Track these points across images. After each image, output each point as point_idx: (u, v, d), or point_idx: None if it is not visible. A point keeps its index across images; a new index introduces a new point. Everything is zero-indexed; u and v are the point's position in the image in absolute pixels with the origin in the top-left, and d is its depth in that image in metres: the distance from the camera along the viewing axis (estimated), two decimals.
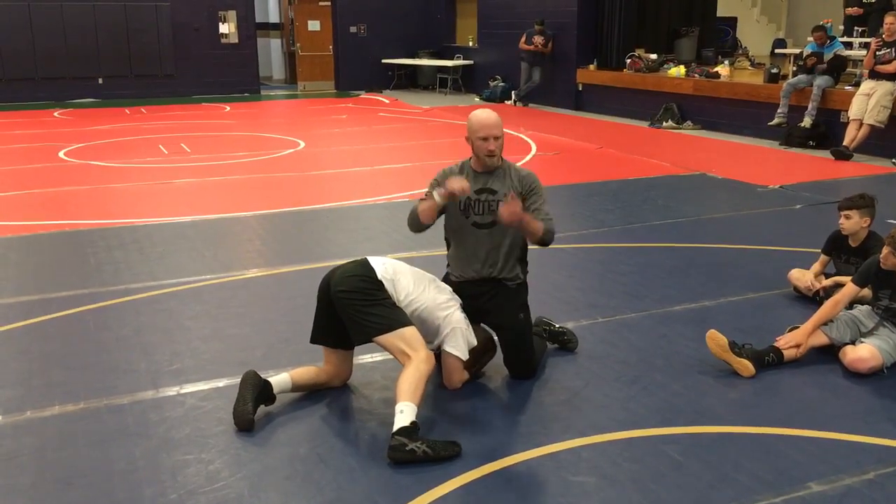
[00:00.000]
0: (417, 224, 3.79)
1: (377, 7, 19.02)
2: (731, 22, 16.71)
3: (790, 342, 3.94)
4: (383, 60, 19.16)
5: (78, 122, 13.57)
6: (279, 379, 3.52)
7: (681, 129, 12.38)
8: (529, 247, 3.87)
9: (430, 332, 3.53)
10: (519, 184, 3.73)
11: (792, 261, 5.25)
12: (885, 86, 9.47)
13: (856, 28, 11.63)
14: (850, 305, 4.11)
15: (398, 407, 3.13)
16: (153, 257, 5.80)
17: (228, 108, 15.59)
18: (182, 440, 3.28)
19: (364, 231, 6.66)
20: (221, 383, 3.77)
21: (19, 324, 4.55)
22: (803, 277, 4.84)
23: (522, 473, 3.04)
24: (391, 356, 3.47)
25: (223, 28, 17.86)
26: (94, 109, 15.38)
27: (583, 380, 3.82)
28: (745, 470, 3.03)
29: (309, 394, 3.64)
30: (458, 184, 3.56)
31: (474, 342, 3.63)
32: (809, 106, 10.37)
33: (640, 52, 14.22)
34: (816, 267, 4.86)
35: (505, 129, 3.78)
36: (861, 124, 9.55)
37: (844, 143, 9.62)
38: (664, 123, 12.57)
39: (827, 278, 4.77)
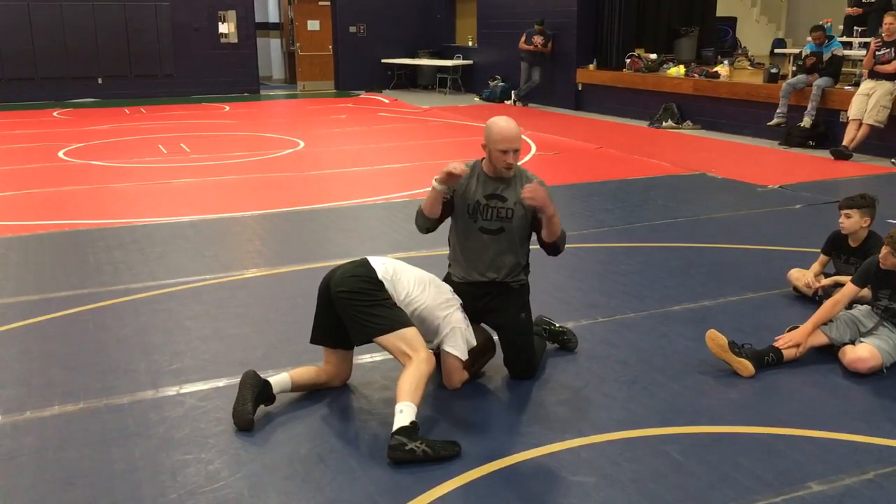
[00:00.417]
0: (423, 220, 3.75)
1: (377, 7, 19.03)
2: (731, 22, 16.70)
3: (790, 342, 3.94)
4: (383, 60, 19.17)
5: (77, 121, 13.57)
6: (279, 379, 3.52)
7: (680, 128, 12.38)
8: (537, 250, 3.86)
9: (430, 332, 3.53)
10: None
11: (791, 261, 5.25)
12: (885, 86, 9.48)
13: (855, 28, 11.64)
14: (850, 305, 4.11)
15: (398, 407, 3.13)
16: (153, 257, 5.80)
17: (228, 108, 15.59)
18: (182, 440, 3.28)
19: (364, 231, 6.66)
20: (221, 383, 3.77)
21: (19, 324, 4.55)
22: (803, 277, 4.84)
23: (522, 473, 3.04)
24: (391, 356, 3.47)
25: (223, 28, 17.87)
26: (93, 109, 15.38)
27: (582, 380, 3.82)
28: (745, 470, 3.03)
29: (308, 394, 3.64)
30: (456, 165, 3.53)
31: (474, 342, 3.63)
32: (809, 106, 10.37)
33: (639, 51, 14.22)
34: (816, 267, 4.86)
35: None
36: (860, 124, 9.55)
37: (844, 143, 9.62)
38: (664, 123, 12.57)
39: (826, 278, 4.77)
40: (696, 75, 12.75)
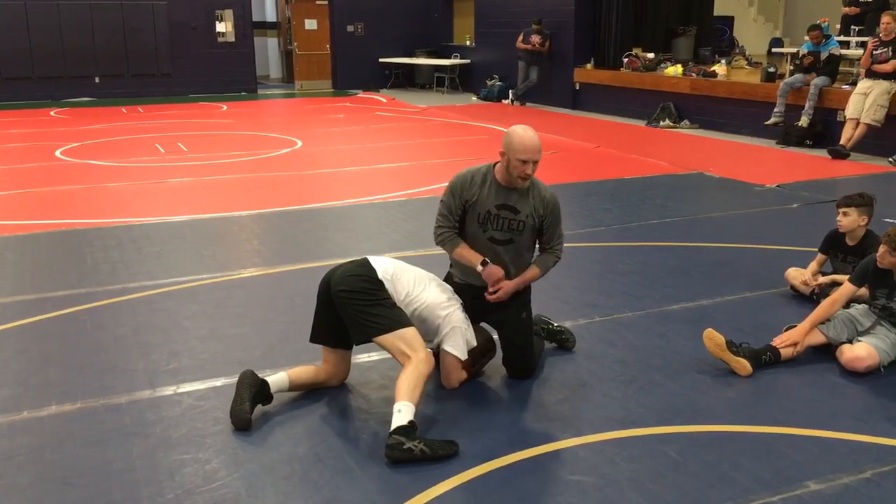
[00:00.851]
0: (447, 252, 3.82)
1: (374, 6, 19.02)
2: (729, 21, 16.71)
3: (787, 341, 3.94)
4: (380, 59, 19.16)
5: (75, 121, 13.55)
6: (276, 378, 3.51)
7: (678, 128, 12.39)
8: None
9: (430, 332, 3.53)
10: (541, 205, 3.68)
11: (789, 260, 5.25)
12: (882, 85, 9.48)
13: (852, 27, 11.64)
14: (848, 304, 4.12)
15: (396, 406, 3.13)
16: (150, 257, 5.79)
17: (225, 108, 15.58)
18: (179, 440, 3.27)
19: (361, 230, 6.65)
20: (219, 383, 3.76)
21: (16, 323, 4.54)
22: (800, 276, 4.84)
23: (520, 473, 3.04)
24: (389, 356, 3.47)
25: (220, 27, 17.85)
26: (90, 108, 15.36)
27: (580, 379, 3.82)
28: (743, 469, 3.03)
29: (307, 393, 3.64)
30: (497, 279, 3.62)
31: (474, 342, 3.63)
32: (806, 105, 10.38)
33: (637, 51, 14.23)
34: (813, 265, 4.86)
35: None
36: (858, 123, 9.56)
37: (841, 142, 9.63)
38: (661, 122, 12.58)
39: (824, 277, 4.77)
40: (693, 74, 12.75)
